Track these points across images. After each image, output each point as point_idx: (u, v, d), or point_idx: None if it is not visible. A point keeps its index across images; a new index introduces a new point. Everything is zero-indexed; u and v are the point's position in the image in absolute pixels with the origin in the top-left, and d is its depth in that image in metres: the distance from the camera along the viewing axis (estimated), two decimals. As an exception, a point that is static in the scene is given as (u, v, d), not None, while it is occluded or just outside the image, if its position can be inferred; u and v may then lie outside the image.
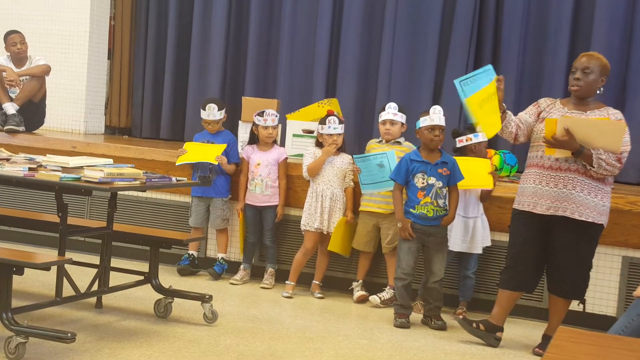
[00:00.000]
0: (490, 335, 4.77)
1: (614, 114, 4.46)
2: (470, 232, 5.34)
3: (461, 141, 5.44)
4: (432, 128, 5.09)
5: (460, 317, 4.94)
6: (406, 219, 5.06)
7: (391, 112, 5.63)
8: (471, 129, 5.47)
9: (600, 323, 5.02)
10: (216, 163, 5.93)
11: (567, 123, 4.30)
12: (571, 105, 4.56)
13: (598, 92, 4.49)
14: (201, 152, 5.94)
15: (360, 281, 5.74)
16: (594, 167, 4.32)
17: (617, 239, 5.16)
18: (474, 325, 4.78)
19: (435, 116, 5.12)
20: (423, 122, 5.12)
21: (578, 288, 4.60)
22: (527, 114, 4.67)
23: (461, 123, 6.75)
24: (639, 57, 6.32)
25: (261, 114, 5.94)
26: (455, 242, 5.34)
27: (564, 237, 4.48)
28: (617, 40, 6.38)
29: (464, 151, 5.45)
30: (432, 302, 5.17)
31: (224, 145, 5.97)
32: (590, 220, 4.41)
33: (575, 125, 4.30)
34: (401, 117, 5.65)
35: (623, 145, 4.31)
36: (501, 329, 4.79)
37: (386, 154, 5.49)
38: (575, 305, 4.75)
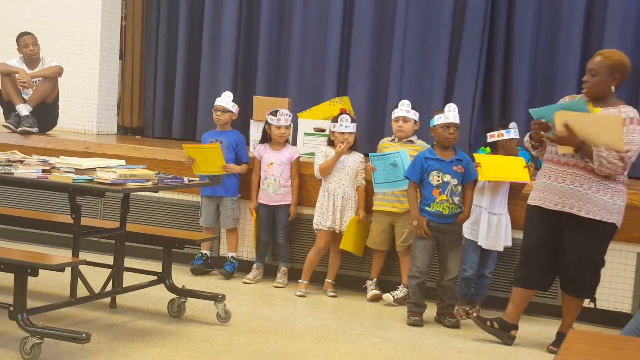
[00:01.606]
0: (505, 334, 4.76)
1: (625, 112, 4.41)
2: (494, 229, 5.30)
3: (492, 136, 5.37)
4: (447, 126, 5.09)
5: (474, 315, 4.93)
6: (422, 217, 5.06)
7: (404, 109, 5.63)
8: (504, 125, 5.44)
9: (615, 320, 5.00)
10: (224, 173, 5.92)
11: (566, 118, 4.29)
12: (589, 105, 4.52)
13: (612, 89, 4.45)
14: (205, 159, 5.90)
15: (375, 279, 5.74)
16: (594, 164, 4.30)
17: (632, 235, 5.13)
18: (488, 323, 4.77)
19: (451, 114, 5.12)
20: (438, 120, 5.12)
21: (587, 287, 4.58)
22: None
23: (473, 121, 6.74)
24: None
25: (274, 113, 5.95)
26: (485, 239, 5.29)
27: (572, 235, 4.46)
28: (629, 39, 6.35)
29: (495, 147, 5.38)
30: (446, 300, 5.17)
31: (217, 145, 5.93)
32: (597, 218, 4.37)
33: (573, 120, 4.28)
34: (414, 115, 5.64)
35: (628, 143, 4.27)
36: (516, 327, 4.78)
37: (399, 153, 5.48)
38: (587, 302, 4.73)
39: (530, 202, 4.62)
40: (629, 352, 1.96)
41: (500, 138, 5.33)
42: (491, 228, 5.29)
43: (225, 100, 6.14)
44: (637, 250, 5.23)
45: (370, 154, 5.65)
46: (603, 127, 4.26)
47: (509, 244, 5.38)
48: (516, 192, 5.34)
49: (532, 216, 4.63)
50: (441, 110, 5.21)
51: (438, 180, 5.06)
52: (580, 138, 4.28)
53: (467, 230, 5.30)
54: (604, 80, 4.44)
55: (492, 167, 5.15)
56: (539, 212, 4.56)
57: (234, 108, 6.16)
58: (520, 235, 5.38)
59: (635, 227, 5.12)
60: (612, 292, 5.21)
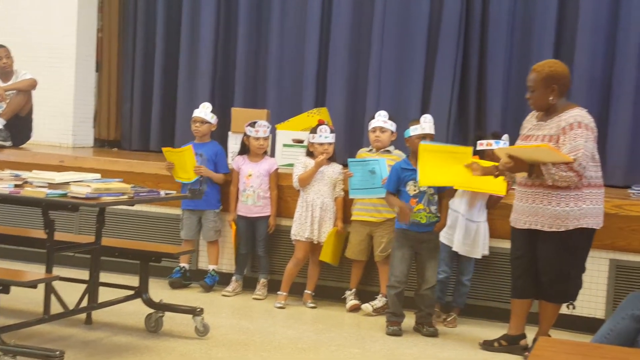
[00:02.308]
0: (516, 347, 4.82)
1: (566, 119, 4.47)
2: (472, 236, 5.34)
3: (481, 144, 5.40)
4: (423, 137, 5.13)
5: (479, 343, 4.93)
6: (402, 202, 5.07)
7: (381, 119, 5.65)
8: (496, 135, 5.47)
9: (589, 325, 5.04)
10: (198, 177, 5.91)
11: (506, 151, 4.53)
12: (540, 115, 4.68)
13: (551, 100, 4.53)
14: (180, 163, 5.90)
15: (353, 290, 5.74)
16: (549, 181, 4.41)
17: (603, 242, 5.17)
18: (496, 344, 4.85)
19: (426, 125, 5.18)
20: (414, 130, 5.16)
21: (557, 293, 4.64)
22: (518, 141, 4.81)
23: (449, 131, 6.77)
24: (622, 64, 6.34)
25: (253, 124, 5.95)
26: (460, 245, 5.33)
27: (542, 248, 4.58)
28: (600, 46, 6.41)
29: (482, 156, 5.41)
30: (424, 309, 5.18)
31: (189, 147, 5.93)
32: (562, 229, 4.46)
33: (513, 151, 4.51)
34: (391, 125, 5.67)
35: (573, 150, 4.34)
36: (523, 336, 4.85)
37: (378, 161, 5.51)
38: (564, 308, 4.76)
39: (511, 222, 4.78)
40: (595, 359, 1.98)
41: (489, 147, 5.36)
42: (469, 235, 5.32)
43: (204, 111, 6.14)
44: (609, 256, 5.28)
45: (349, 160, 5.67)
46: (539, 153, 4.38)
47: (486, 252, 5.41)
48: (494, 201, 5.36)
49: (512, 235, 4.79)
50: (416, 120, 5.25)
51: (415, 190, 5.07)
52: (529, 162, 4.42)
53: (442, 235, 5.32)
54: (542, 93, 4.55)
55: (470, 177, 5.10)
56: (516, 231, 4.72)
57: (212, 119, 6.16)
58: (498, 244, 5.43)
59: (608, 234, 5.15)
60: (585, 299, 5.24)
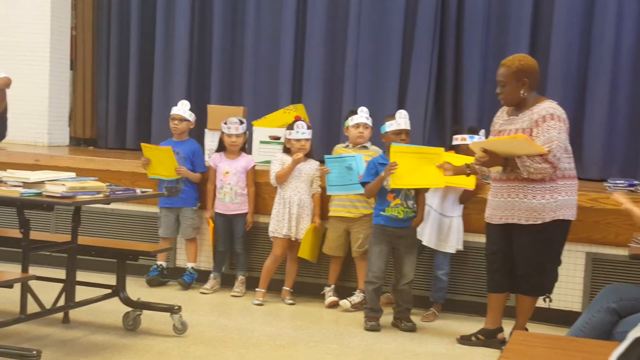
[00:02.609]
0: (493, 341, 4.83)
1: (538, 112, 4.50)
2: (445, 231, 5.37)
3: (456, 139, 5.48)
4: (399, 132, 5.15)
5: (457, 338, 4.95)
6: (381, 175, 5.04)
7: (364, 115, 5.66)
8: (472, 130, 5.51)
9: (566, 318, 5.07)
10: (179, 177, 5.91)
11: (481, 145, 4.53)
12: (510, 110, 4.69)
13: (522, 95, 4.55)
14: (160, 161, 5.89)
15: (332, 286, 5.75)
16: (524, 173, 4.43)
17: (579, 235, 5.23)
18: (473, 338, 4.87)
19: (402, 120, 5.19)
20: (389, 126, 5.17)
21: (533, 285, 4.67)
22: (490, 136, 4.82)
23: (426, 126, 6.80)
24: (598, 59, 6.40)
25: (226, 121, 5.95)
26: (430, 238, 5.37)
27: (518, 241, 4.59)
28: (576, 42, 6.46)
29: (457, 150, 5.46)
30: (402, 304, 5.20)
31: (169, 148, 5.91)
32: (539, 222, 4.48)
33: (488, 145, 4.50)
34: (370, 122, 5.68)
35: (547, 142, 4.37)
36: (500, 330, 4.87)
37: (355, 157, 5.52)
38: (541, 302, 4.80)
39: (486, 218, 4.79)
40: (569, 353, 2.00)
41: (463, 142, 5.40)
42: (441, 230, 5.37)
43: (183, 109, 6.11)
44: (586, 250, 5.32)
45: (326, 157, 5.68)
46: (515, 146, 4.39)
47: (460, 247, 5.44)
48: (467, 196, 5.40)
49: (488, 230, 4.79)
50: (392, 116, 5.27)
51: (389, 185, 5.08)
52: (504, 155, 4.44)
53: None
54: (514, 87, 4.56)
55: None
56: (491, 226, 4.73)
57: (191, 117, 6.14)
58: (475, 238, 5.46)
59: (584, 227, 5.21)
60: (562, 292, 5.29)
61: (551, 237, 4.56)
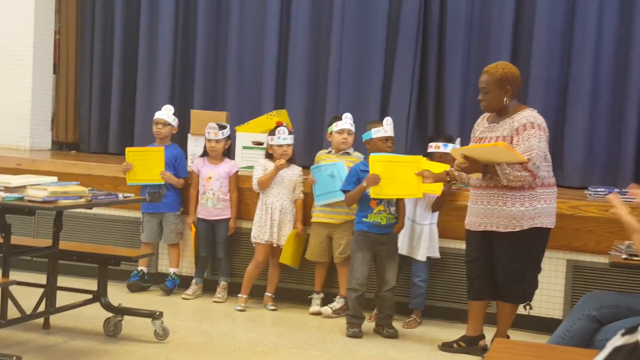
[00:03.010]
0: (475, 348, 4.85)
1: (519, 120, 4.52)
2: (416, 239, 5.40)
3: (431, 147, 5.53)
4: (386, 139, 5.17)
5: (439, 345, 4.95)
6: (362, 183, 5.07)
7: (349, 122, 5.67)
8: (448, 138, 5.54)
9: (547, 326, 5.10)
10: (163, 182, 5.90)
11: (461, 151, 4.54)
12: (490, 117, 4.70)
13: (505, 102, 4.57)
14: (145, 164, 5.87)
15: (321, 295, 5.73)
16: (503, 181, 4.44)
17: (560, 242, 5.25)
18: (455, 345, 4.88)
19: (389, 127, 5.23)
20: (376, 133, 5.17)
21: (516, 293, 4.66)
22: (470, 142, 4.82)
23: (408, 133, 6.82)
24: (579, 65, 6.44)
25: (207, 126, 5.96)
26: (402, 245, 5.41)
27: (498, 249, 4.60)
28: (557, 47, 6.50)
29: (432, 158, 5.50)
30: (384, 311, 5.21)
31: (162, 149, 5.92)
32: (517, 229, 4.50)
33: (468, 151, 4.53)
34: (354, 128, 5.70)
35: (527, 150, 4.39)
36: (482, 337, 4.88)
37: (336, 165, 5.54)
38: (522, 309, 4.82)
39: (465, 224, 4.80)
40: (549, 361, 2.02)
41: (437, 150, 5.43)
42: (413, 237, 5.39)
43: (166, 113, 6.10)
44: (567, 257, 5.35)
45: (311, 167, 5.69)
46: (495, 153, 4.41)
47: (437, 254, 5.46)
48: (438, 204, 5.42)
49: (467, 237, 4.80)
50: (377, 122, 5.28)
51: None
52: (484, 162, 4.46)
53: None
54: (497, 95, 4.58)
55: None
56: (471, 233, 4.73)
57: (174, 122, 6.13)
58: (455, 245, 5.48)
59: (565, 235, 5.24)
60: (543, 299, 5.32)
61: (530, 244, 4.58)
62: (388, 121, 5.26)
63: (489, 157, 4.44)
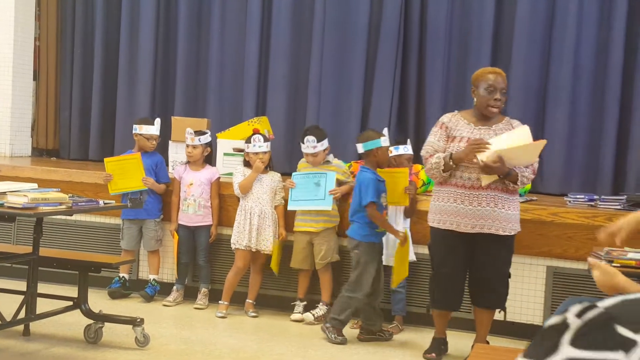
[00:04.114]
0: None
1: (518, 125, 4.59)
2: (392, 246, 5.40)
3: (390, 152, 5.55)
4: (390, 151, 5.28)
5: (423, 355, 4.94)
6: (397, 231, 5.11)
7: (310, 145, 5.62)
8: (398, 142, 5.57)
9: (527, 332, 5.14)
10: (145, 188, 5.89)
11: (502, 153, 4.32)
12: (475, 120, 4.59)
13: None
14: (125, 173, 5.86)
15: (304, 302, 5.72)
16: (517, 185, 4.43)
17: (540, 249, 5.29)
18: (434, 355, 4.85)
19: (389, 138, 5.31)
20: (384, 142, 5.16)
21: (502, 298, 4.69)
22: (440, 141, 4.59)
23: (390, 136, 6.84)
24: (557, 74, 6.48)
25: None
26: None
27: (489, 252, 4.53)
28: (536, 55, 6.55)
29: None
30: (378, 321, 5.24)
31: (138, 155, 5.89)
32: (513, 233, 4.53)
33: (509, 152, 4.35)
34: (321, 145, 5.63)
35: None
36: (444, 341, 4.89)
37: (326, 175, 5.55)
38: (499, 315, 4.85)
39: (438, 225, 4.59)
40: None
41: (390, 155, 5.47)
42: (388, 244, 5.39)
43: (159, 128, 6.08)
44: (546, 263, 5.37)
45: (296, 173, 5.71)
46: (530, 151, 4.41)
47: (413, 257, 5.46)
48: (410, 211, 5.43)
49: (440, 239, 4.63)
50: (380, 133, 5.27)
51: (384, 202, 5.14)
52: (508, 166, 4.37)
53: None
54: (506, 99, 4.63)
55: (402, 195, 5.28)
56: (448, 235, 4.57)
57: (158, 132, 6.14)
58: (423, 250, 5.46)
59: (545, 242, 5.27)
60: (524, 305, 5.35)
61: (512, 248, 4.63)
62: (386, 131, 5.32)
63: (520, 158, 4.37)
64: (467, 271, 4.67)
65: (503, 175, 4.38)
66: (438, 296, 4.75)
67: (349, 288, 5.12)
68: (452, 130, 4.58)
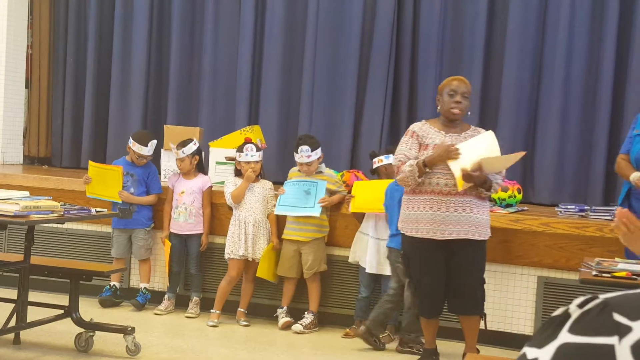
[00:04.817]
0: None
1: (483, 132, 4.65)
2: (383, 254, 5.42)
3: (375, 162, 5.59)
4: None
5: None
6: None
7: (304, 155, 5.63)
8: (389, 150, 5.59)
9: (518, 341, 5.14)
10: (120, 201, 5.85)
11: (484, 162, 4.38)
12: (443, 127, 4.63)
13: (468, 113, 4.68)
14: (104, 181, 5.84)
15: (285, 308, 5.74)
16: (490, 191, 4.48)
17: (531, 259, 5.30)
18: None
19: None
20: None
21: (478, 303, 4.67)
22: (412, 149, 4.60)
23: (381, 149, 6.86)
24: (549, 86, 6.49)
25: None
26: (371, 264, 5.43)
27: (465, 258, 4.55)
28: (527, 67, 6.58)
29: (378, 172, 5.59)
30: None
31: (120, 169, 5.88)
32: (486, 238, 4.56)
33: (489, 161, 4.42)
34: (315, 155, 5.65)
35: None
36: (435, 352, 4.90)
37: (317, 183, 5.56)
38: (490, 325, 4.85)
39: (413, 234, 4.58)
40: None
41: (380, 164, 5.50)
42: (378, 253, 5.42)
43: (153, 149, 6.08)
44: (537, 273, 5.38)
45: (287, 181, 5.72)
46: (507, 161, 4.51)
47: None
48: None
49: (416, 247, 4.63)
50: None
51: None
52: (485, 173, 4.43)
53: (360, 258, 5.50)
54: (469, 104, 4.67)
55: (364, 198, 5.43)
56: (424, 243, 4.55)
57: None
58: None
59: (536, 252, 5.29)
60: (514, 315, 5.36)
61: (485, 254, 4.65)
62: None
63: (497, 166, 4.46)
64: (443, 278, 4.65)
65: (484, 181, 4.42)
66: (423, 306, 4.76)
67: (409, 303, 5.04)
68: (423, 138, 4.62)
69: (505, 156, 4.54)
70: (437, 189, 4.50)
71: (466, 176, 4.38)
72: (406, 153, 4.58)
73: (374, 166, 5.60)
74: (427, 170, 4.47)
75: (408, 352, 5.16)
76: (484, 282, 4.68)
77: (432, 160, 4.46)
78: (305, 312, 5.67)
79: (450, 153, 4.42)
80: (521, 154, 4.55)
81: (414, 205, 4.56)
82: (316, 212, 5.55)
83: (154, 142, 6.12)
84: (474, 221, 4.49)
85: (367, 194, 5.42)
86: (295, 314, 5.71)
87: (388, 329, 5.52)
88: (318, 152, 5.67)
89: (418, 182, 4.50)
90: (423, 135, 4.62)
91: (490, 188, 4.47)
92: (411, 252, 4.68)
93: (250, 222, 5.70)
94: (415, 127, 4.72)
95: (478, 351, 4.70)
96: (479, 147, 4.47)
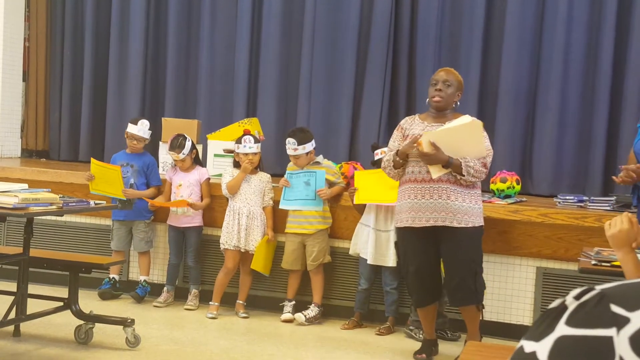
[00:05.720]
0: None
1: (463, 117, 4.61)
2: (384, 246, 5.43)
3: (377, 154, 5.57)
4: None
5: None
6: None
7: (290, 147, 5.63)
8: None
9: (517, 332, 5.16)
10: (125, 198, 5.85)
11: (431, 137, 4.37)
12: (430, 119, 4.65)
13: (455, 105, 4.65)
14: (106, 179, 5.83)
15: (292, 302, 5.72)
16: (464, 175, 4.41)
17: (530, 250, 5.31)
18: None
19: None
20: None
21: (472, 293, 4.62)
22: (397, 142, 4.65)
23: (379, 142, 6.86)
24: (547, 79, 6.49)
25: None
26: (370, 256, 5.44)
27: (449, 246, 4.53)
28: (526, 62, 6.57)
29: (379, 164, 5.57)
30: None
31: (119, 169, 5.86)
32: (470, 225, 4.48)
33: (439, 137, 4.38)
34: (303, 149, 5.63)
35: (483, 149, 4.46)
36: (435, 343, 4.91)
37: (315, 173, 5.55)
38: (488, 315, 4.86)
39: (397, 224, 4.65)
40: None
41: (383, 155, 5.48)
42: (379, 244, 5.42)
43: (143, 129, 6.06)
44: (536, 264, 5.38)
45: (288, 172, 5.71)
46: (466, 135, 4.42)
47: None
48: None
49: (403, 238, 4.68)
50: None
51: None
52: (448, 153, 4.38)
53: (361, 249, 5.49)
54: (452, 95, 4.62)
55: (369, 189, 5.40)
56: (408, 232, 4.58)
57: (148, 135, 6.11)
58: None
59: (534, 242, 5.29)
60: (513, 306, 5.37)
61: (478, 242, 4.61)
62: None
63: (457, 144, 4.38)
64: (436, 266, 4.67)
65: (445, 164, 4.38)
66: (414, 297, 4.82)
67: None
68: (406, 130, 4.67)
69: (455, 127, 4.41)
70: (413, 177, 4.53)
71: (423, 157, 4.36)
72: (391, 147, 4.67)
73: (376, 157, 5.60)
74: (398, 159, 4.52)
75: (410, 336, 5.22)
76: (479, 272, 4.64)
77: (403, 150, 4.51)
78: (311, 305, 5.65)
79: (414, 140, 4.44)
80: (476, 122, 4.45)
81: (400, 196, 4.61)
82: (318, 205, 5.56)
83: (145, 122, 6.11)
84: (451, 208, 4.44)
85: (371, 185, 5.38)
86: (298, 307, 5.71)
87: (389, 320, 5.53)
88: (307, 147, 5.63)
89: (397, 172, 4.57)
90: (407, 127, 4.68)
91: (462, 171, 4.40)
92: (398, 242, 4.78)
93: (244, 214, 5.70)
94: (403, 121, 4.80)
95: (481, 338, 4.70)
96: (461, 134, 4.41)
